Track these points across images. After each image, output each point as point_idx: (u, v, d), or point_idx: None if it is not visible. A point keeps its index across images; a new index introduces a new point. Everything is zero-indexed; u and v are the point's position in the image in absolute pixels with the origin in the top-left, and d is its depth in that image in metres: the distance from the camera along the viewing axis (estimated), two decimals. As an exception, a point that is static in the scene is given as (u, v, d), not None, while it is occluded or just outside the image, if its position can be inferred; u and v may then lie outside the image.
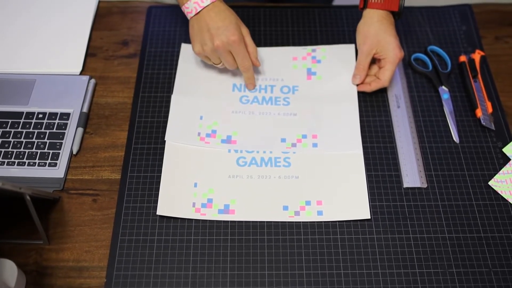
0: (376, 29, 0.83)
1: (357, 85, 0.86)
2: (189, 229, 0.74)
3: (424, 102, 0.86)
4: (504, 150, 0.81)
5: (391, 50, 0.82)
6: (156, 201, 0.75)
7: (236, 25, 0.80)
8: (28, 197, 0.66)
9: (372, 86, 0.85)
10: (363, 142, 0.82)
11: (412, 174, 0.79)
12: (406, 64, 0.90)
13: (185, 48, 0.91)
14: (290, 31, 0.94)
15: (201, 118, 0.82)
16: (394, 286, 0.70)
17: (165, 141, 0.81)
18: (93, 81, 0.87)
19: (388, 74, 0.83)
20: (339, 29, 0.93)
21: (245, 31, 0.82)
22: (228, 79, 0.87)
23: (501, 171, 0.79)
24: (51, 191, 0.77)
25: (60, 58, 0.90)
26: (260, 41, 0.92)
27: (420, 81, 0.89)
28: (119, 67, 0.90)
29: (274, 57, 0.90)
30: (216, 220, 0.75)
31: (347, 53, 0.90)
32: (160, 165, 0.79)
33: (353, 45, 0.90)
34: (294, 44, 0.92)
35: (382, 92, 0.87)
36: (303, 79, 0.87)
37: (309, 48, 0.91)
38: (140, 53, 0.91)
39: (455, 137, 0.82)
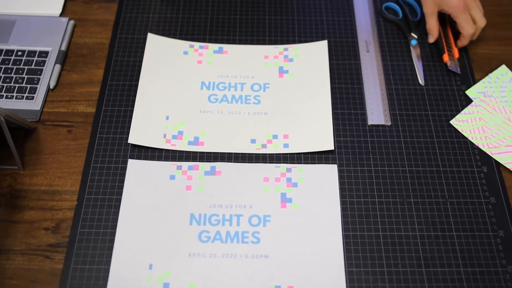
0: None
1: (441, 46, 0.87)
2: (159, 158, 0.77)
3: (393, 47, 0.89)
4: (467, 92, 0.84)
5: (451, 2, 0.83)
6: (128, 133, 0.78)
7: None
8: (2, 119, 0.69)
9: (460, 43, 0.87)
10: (331, 83, 0.85)
11: (377, 113, 0.82)
12: (378, 13, 0.93)
13: (151, 39, 0.87)
14: (267, 19, 0.94)
15: (167, 118, 0.79)
16: (354, 213, 0.73)
17: (139, 78, 0.84)
18: (72, 22, 0.90)
19: (462, 24, 0.84)
20: (317, 18, 0.92)
21: None
22: (197, 76, 0.84)
23: (463, 111, 0.82)
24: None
25: (41, 1, 0.92)
26: (236, 30, 0.92)
27: (391, 29, 0.91)
28: (99, 10, 0.92)
29: (244, 55, 0.87)
30: (185, 151, 0.78)
31: (319, 50, 0.87)
32: (134, 100, 0.82)
33: (325, 42, 0.88)
34: (270, 32, 0.90)
35: (352, 38, 0.90)
36: (274, 76, 0.84)
37: (281, 47, 0.88)
38: (119, -2, 0.94)
39: (421, 80, 0.85)
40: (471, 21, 0.84)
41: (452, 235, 0.72)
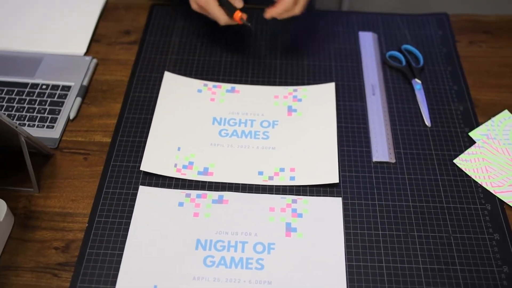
0: None
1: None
2: (169, 186, 0.79)
3: (398, 91, 0.93)
4: (470, 134, 0.86)
5: None
6: (140, 162, 0.81)
7: None
8: (23, 139, 0.73)
9: (272, 11, 0.88)
10: (338, 122, 0.88)
11: (382, 150, 0.84)
12: (383, 59, 0.98)
13: (167, 76, 0.93)
14: (278, 63, 1.02)
15: (178, 149, 0.83)
16: (357, 244, 0.74)
17: (153, 111, 0.88)
18: (95, 60, 0.96)
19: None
20: (326, 63, 0.99)
21: None
22: (209, 112, 0.88)
23: (466, 152, 0.84)
24: (46, 149, 0.83)
25: (68, 41, 0.99)
26: (248, 72, 0.99)
27: (396, 75, 0.95)
28: (120, 51, 0.99)
29: (255, 95, 0.91)
30: (194, 180, 0.80)
31: (327, 91, 0.91)
32: (148, 132, 0.85)
33: (333, 84, 0.92)
34: (281, 75, 0.95)
35: (359, 82, 0.94)
36: (283, 115, 0.88)
37: (290, 88, 0.92)
38: (140, 40, 1.00)
39: (427, 121, 0.88)
40: None
41: (456, 269, 0.72)
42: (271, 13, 0.88)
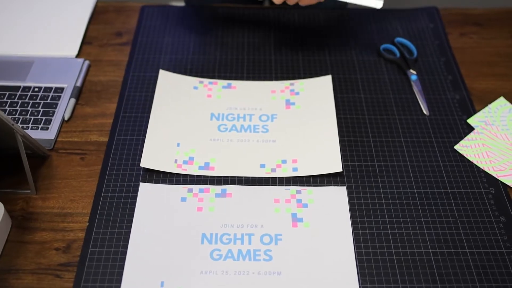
0: None
1: None
2: (170, 182, 0.78)
3: (394, 82, 0.93)
4: (469, 120, 0.87)
5: None
6: (140, 160, 0.80)
7: None
8: (19, 138, 0.71)
9: None
10: (337, 113, 0.87)
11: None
12: (376, 54, 0.98)
13: (163, 75, 0.92)
14: (273, 59, 1.02)
15: (178, 145, 0.82)
16: (365, 231, 0.73)
17: (150, 110, 0.86)
18: (87, 62, 0.94)
19: None
20: (321, 57, 0.99)
21: None
22: (206, 108, 0.87)
23: (466, 138, 0.84)
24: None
25: (58, 44, 0.97)
26: (243, 69, 0.99)
27: (391, 67, 0.96)
28: (112, 52, 0.97)
29: (252, 90, 0.91)
30: (196, 175, 0.79)
31: (324, 83, 0.91)
32: (146, 130, 0.84)
33: (329, 76, 0.92)
34: (276, 70, 0.94)
35: (354, 75, 0.94)
36: (281, 108, 0.88)
37: (287, 82, 0.92)
38: (132, 41, 0.99)
39: (425, 110, 0.88)
40: None
41: (465, 252, 0.71)
42: None
